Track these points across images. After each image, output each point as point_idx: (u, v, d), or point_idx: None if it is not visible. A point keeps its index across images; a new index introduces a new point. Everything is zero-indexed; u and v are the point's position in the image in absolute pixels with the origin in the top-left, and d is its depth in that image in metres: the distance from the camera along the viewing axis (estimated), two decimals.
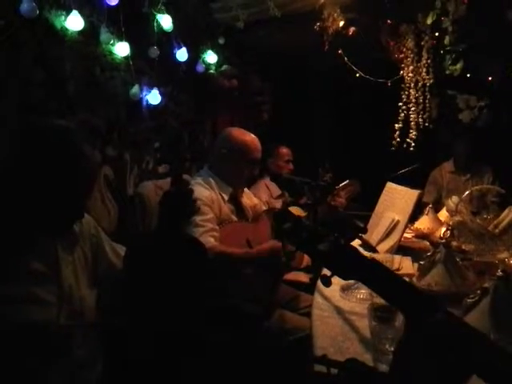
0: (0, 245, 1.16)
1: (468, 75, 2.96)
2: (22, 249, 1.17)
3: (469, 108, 3.06)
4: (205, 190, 2.19)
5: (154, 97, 2.94)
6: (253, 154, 2.33)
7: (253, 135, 2.38)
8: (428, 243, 2.39)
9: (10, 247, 1.16)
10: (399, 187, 2.61)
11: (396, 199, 2.55)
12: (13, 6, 2.03)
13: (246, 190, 2.55)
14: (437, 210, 2.82)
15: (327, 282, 0.88)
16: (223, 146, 2.33)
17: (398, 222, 2.41)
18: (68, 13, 2.28)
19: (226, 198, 2.30)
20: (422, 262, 1.89)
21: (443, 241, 1.86)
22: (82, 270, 1.35)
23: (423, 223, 2.53)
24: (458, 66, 2.86)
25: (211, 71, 3.66)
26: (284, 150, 3.90)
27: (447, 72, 2.95)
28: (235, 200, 2.39)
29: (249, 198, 2.53)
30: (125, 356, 1.51)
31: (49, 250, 1.25)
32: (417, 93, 3.19)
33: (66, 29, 2.30)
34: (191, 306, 1.38)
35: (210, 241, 2.02)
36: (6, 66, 2.06)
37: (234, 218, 2.31)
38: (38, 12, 2.09)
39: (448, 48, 2.88)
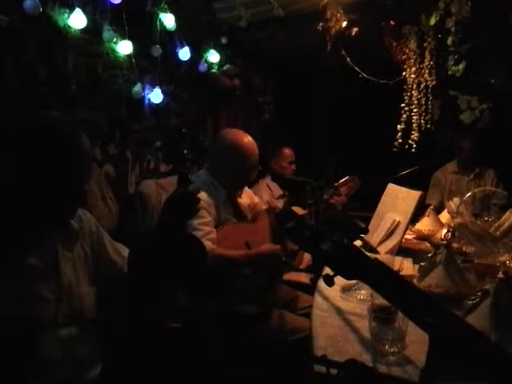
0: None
1: (470, 76, 2.95)
2: (21, 244, 1.17)
3: (470, 109, 3.05)
4: (202, 192, 2.16)
5: (156, 95, 2.94)
6: (249, 161, 2.32)
7: (250, 138, 2.35)
8: (429, 245, 2.39)
9: (9, 242, 1.15)
10: (401, 188, 2.61)
11: (397, 200, 2.55)
12: (16, 3, 2.03)
13: (246, 188, 2.54)
14: (439, 211, 2.81)
15: (330, 282, 0.88)
16: (220, 149, 2.32)
17: (399, 223, 2.41)
18: (71, 11, 2.28)
19: (223, 199, 2.29)
20: (422, 264, 1.89)
21: (444, 242, 1.86)
22: (81, 268, 1.35)
23: (424, 225, 2.53)
24: (461, 66, 2.84)
25: (213, 70, 3.66)
26: (288, 151, 3.91)
27: (449, 72, 2.94)
28: (233, 201, 2.38)
29: (248, 197, 2.53)
30: (124, 354, 1.51)
31: (48, 246, 1.25)
32: (419, 94, 3.19)
33: (69, 26, 2.30)
34: (192, 303, 1.38)
35: (207, 245, 2.00)
36: (9, 63, 2.06)
37: (233, 219, 2.30)
38: (41, 9, 2.09)
39: (451, 49, 2.87)
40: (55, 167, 1.18)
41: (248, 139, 2.33)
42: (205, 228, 2.08)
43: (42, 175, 1.18)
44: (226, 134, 2.37)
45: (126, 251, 1.48)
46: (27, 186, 1.18)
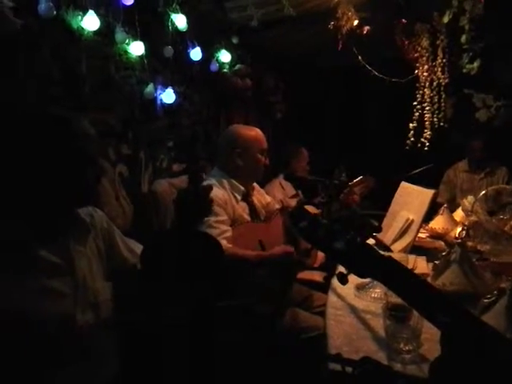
0: (11, 237, 1.16)
1: (485, 74, 2.92)
2: (34, 240, 1.18)
3: (486, 107, 3.03)
4: (218, 191, 2.18)
5: (168, 96, 2.96)
6: (264, 144, 2.39)
7: (254, 128, 2.44)
8: (443, 243, 2.38)
9: (21, 239, 1.16)
10: (414, 187, 2.59)
11: (410, 199, 2.54)
12: (30, 6, 2.06)
13: (258, 188, 2.55)
14: (451, 209, 2.79)
15: (344, 280, 0.87)
16: (235, 146, 2.32)
17: (413, 221, 2.39)
18: (84, 13, 2.30)
19: (238, 197, 2.30)
20: (436, 262, 1.87)
21: (458, 241, 1.84)
22: (95, 262, 1.35)
23: (438, 223, 2.51)
24: (475, 64, 2.82)
25: (225, 70, 3.67)
26: (305, 152, 3.96)
27: (464, 71, 2.92)
28: (248, 199, 2.39)
29: (262, 196, 2.53)
30: (141, 353, 1.52)
31: (61, 241, 1.25)
32: (431, 92, 3.17)
33: (83, 28, 2.32)
34: (206, 303, 1.38)
35: (223, 243, 2.01)
36: (24, 65, 2.09)
37: (247, 217, 2.31)
38: (54, 12, 2.11)
39: (465, 47, 2.85)
40: (60, 158, 1.19)
41: (250, 127, 2.43)
42: (221, 226, 2.09)
43: (48, 166, 1.18)
44: (229, 129, 2.46)
45: (137, 248, 1.48)
46: (34, 177, 1.19)
